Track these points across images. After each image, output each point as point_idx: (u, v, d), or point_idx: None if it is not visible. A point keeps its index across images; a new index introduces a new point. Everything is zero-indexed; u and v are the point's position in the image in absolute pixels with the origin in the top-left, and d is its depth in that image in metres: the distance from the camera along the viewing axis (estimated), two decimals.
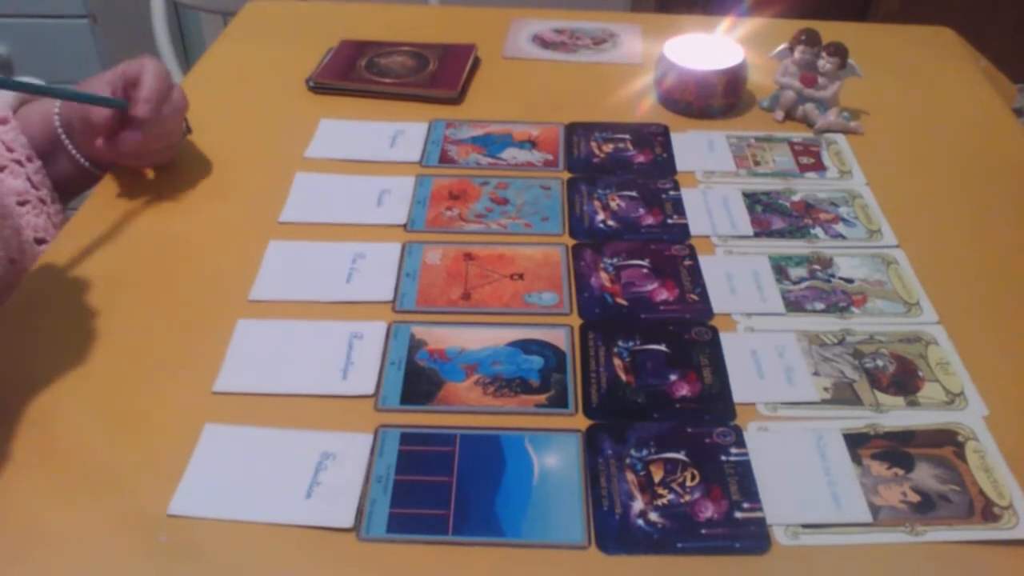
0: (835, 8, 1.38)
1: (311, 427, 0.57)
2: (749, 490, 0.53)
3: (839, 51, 0.87)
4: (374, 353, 0.62)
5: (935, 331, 0.65)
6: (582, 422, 0.58)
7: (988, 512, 0.52)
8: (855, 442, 0.57)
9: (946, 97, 0.97)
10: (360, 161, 0.84)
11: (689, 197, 0.79)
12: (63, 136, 0.76)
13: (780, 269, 0.71)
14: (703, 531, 0.51)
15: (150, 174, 0.80)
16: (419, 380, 0.61)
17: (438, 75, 0.96)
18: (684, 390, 0.60)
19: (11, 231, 0.71)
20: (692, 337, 0.64)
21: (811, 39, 0.88)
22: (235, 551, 0.50)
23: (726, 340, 0.64)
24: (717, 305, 0.67)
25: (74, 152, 0.77)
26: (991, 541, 0.51)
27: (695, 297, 0.68)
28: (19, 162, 0.74)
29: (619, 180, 0.81)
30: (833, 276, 0.71)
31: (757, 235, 0.75)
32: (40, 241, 0.74)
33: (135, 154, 0.75)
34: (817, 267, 0.71)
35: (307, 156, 0.84)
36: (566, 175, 0.82)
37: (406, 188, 0.80)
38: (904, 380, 0.61)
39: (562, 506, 0.53)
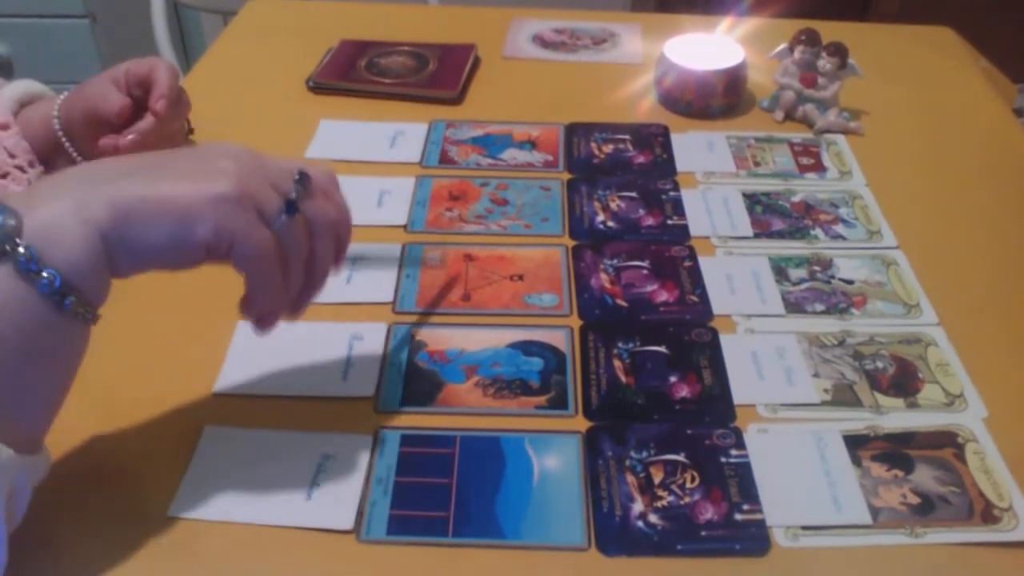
0: (835, 8, 1.37)
1: (311, 429, 0.57)
2: (749, 492, 0.53)
3: (839, 51, 0.87)
4: (374, 354, 0.62)
5: (935, 332, 0.65)
6: (582, 424, 0.58)
7: (988, 514, 0.52)
8: (855, 444, 0.57)
9: (946, 97, 0.97)
10: (360, 162, 0.84)
11: (689, 198, 0.79)
12: (63, 139, 0.76)
13: (780, 270, 0.71)
14: (703, 533, 0.51)
15: None
16: (419, 381, 0.61)
17: (438, 75, 0.96)
18: (684, 391, 0.60)
19: None
20: (692, 338, 0.64)
21: (811, 39, 0.88)
22: (235, 553, 0.50)
23: (726, 341, 0.64)
24: (717, 306, 0.67)
25: (74, 154, 0.77)
26: (991, 543, 0.51)
27: (695, 298, 0.68)
28: (21, 168, 0.74)
29: (619, 181, 0.81)
30: (833, 277, 0.71)
31: (757, 236, 0.75)
32: None
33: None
34: (817, 268, 0.71)
35: (307, 156, 0.84)
36: (566, 176, 0.82)
37: (406, 189, 0.80)
38: (904, 382, 0.61)
39: (562, 508, 0.53)
